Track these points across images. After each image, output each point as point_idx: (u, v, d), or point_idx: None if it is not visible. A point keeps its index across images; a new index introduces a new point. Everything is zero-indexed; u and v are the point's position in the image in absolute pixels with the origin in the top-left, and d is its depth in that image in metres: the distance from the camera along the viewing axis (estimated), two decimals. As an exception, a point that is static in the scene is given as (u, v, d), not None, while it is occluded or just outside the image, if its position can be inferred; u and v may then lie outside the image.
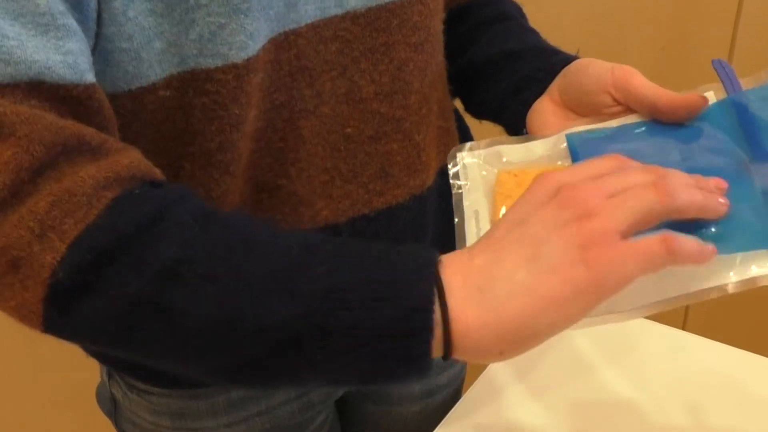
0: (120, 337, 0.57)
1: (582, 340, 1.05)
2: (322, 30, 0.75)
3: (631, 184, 0.57)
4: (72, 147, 0.59)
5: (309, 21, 0.74)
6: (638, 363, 1.01)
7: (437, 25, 0.85)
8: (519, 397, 0.97)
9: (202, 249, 0.57)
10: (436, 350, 0.55)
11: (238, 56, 0.68)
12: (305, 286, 0.55)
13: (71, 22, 0.61)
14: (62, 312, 0.57)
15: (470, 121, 0.97)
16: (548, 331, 0.55)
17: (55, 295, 0.56)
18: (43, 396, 1.81)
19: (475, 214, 0.70)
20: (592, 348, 1.04)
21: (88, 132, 0.60)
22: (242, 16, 0.68)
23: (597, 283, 0.54)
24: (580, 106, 0.77)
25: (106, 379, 0.94)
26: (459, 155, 0.74)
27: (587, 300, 0.54)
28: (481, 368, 1.03)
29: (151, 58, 0.67)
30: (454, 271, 0.56)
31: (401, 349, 0.55)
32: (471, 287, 0.55)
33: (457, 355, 0.56)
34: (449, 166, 0.74)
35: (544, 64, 0.83)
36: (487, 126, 0.92)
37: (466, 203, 0.71)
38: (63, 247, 0.56)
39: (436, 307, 0.55)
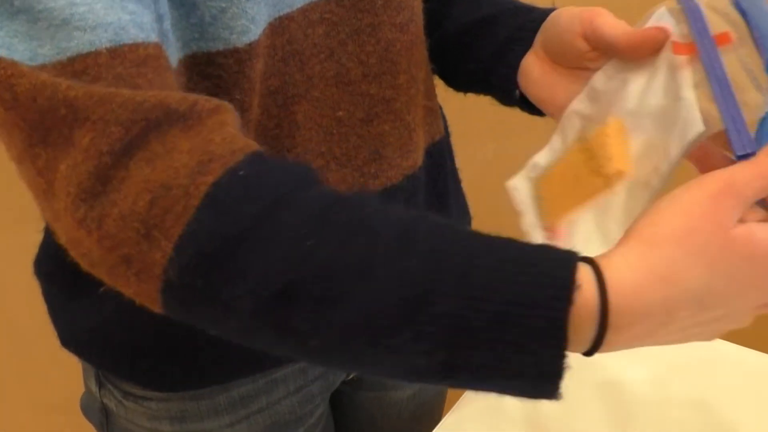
0: (244, 339, 0.57)
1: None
2: (309, 13, 0.74)
3: None
4: (159, 119, 0.56)
5: (300, 5, 0.73)
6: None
7: (419, 5, 0.84)
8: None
9: (315, 267, 0.53)
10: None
11: (240, 40, 0.67)
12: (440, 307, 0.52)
13: None
14: (182, 305, 0.56)
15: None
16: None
17: (171, 289, 0.55)
18: (37, 399, 1.77)
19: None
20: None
21: (174, 98, 0.57)
22: (244, 0, 0.66)
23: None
24: (563, 58, 0.77)
25: (95, 388, 0.91)
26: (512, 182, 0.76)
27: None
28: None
29: None
30: (627, 319, 0.54)
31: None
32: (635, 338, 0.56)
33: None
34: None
35: (523, 23, 0.83)
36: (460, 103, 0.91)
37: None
38: (169, 247, 0.54)
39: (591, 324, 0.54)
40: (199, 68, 0.67)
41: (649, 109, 0.67)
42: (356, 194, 0.57)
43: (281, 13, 0.72)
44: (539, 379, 0.53)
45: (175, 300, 0.55)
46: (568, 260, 0.53)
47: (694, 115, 0.62)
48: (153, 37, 0.60)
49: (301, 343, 0.54)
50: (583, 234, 0.67)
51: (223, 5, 0.65)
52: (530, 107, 0.83)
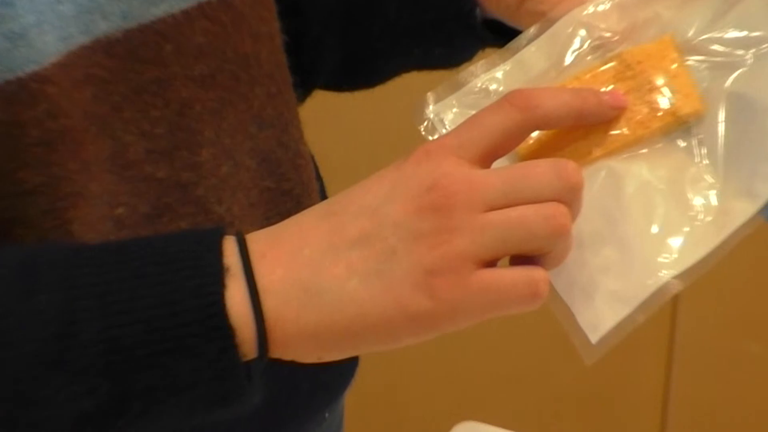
0: None
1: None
2: (71, 70, 0.54)
3: (529, 197, 0.49)
4: None
5: (53, 58, 0.53)
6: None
7: (247, 46, 0.62)
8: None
9: None
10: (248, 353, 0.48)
11: None
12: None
13: None
14: None
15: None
16: (373, 348, 0.49)
17: None
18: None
19: None
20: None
21: None
22: None
23: (435, 316, 0.48)
24: None
25: None
26: (425, 112, 0.59)
27: (421, 330, 0.49)
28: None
29: None
30: (275, 262, 0.49)
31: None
32: (296, 286, 0.48)
33: (272, 355, 0.49)
34: (421, 129, 0.59)
35: None
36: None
37: None
38: None
39: (248, 309, 0.48)
40: None
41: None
42: None
43: (20, 73, 0.51)
44: (219, 381, 0.48)
45: None
46: (213, 241, 0.49)
47: None
48: None
49: None
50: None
51: None
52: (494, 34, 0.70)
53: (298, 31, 0.68)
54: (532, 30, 0.60)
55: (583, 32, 0.59)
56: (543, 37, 0.59)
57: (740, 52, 0.56)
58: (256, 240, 0.50)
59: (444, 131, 0.57)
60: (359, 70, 0.79)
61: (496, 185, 0.49)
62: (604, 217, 0.54)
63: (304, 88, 0.72)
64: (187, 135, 0.60)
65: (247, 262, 0.49)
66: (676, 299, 1.65)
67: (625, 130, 0.55)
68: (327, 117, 0.98)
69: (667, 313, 1.70)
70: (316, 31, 0.74)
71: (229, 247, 0.49)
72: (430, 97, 0.59)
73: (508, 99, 0.51)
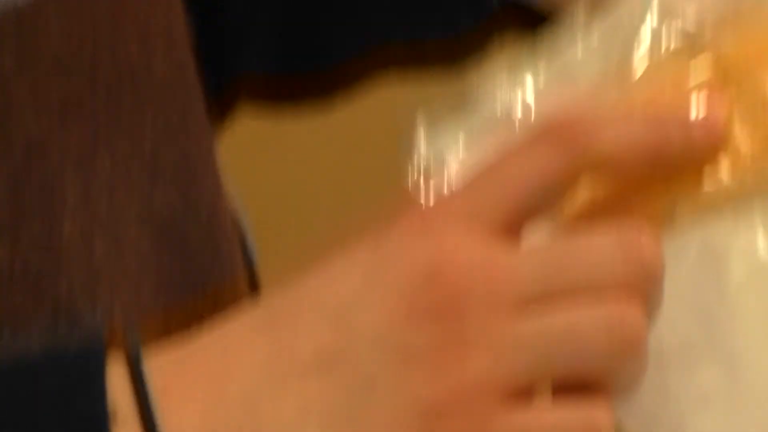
0: None
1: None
2: None
3: (580, 287, 0.39)
4: None
5: None
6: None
7: (131, 48, 0.49)
8: None
9: None
10: None
11: None
12: None
13: None
14: None
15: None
16: None
17: None
18: None
19: None
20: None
21: None
22: None
23: None
24: None
25: None
26: (415, 145, 0.46)
27: None
28: None
29: None
30: (188, 403, 0.40)
31: None
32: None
33: None
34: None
35: None
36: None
37: None
38: None
39: None
40: None
41: None
42: None
43: None
44: None
45: None
46: (90, 371, 0.40)
47: None
48: None
49: None
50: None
51: None
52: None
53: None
54: (581, 17, 0.46)
55: (658, 15, 0.46)
56: (598, 23, 0.46)
57: None
58: (157, 366, 0.40)
59: (446, 179, 0.44)
60: (301, 48, 0.64)
61: (531, 271, 0.39)
62: (698, 320, 0.42)
63: (222, 96, 0.58)
64: (40, 197, 0.46)
65: (144, 402, 0.40)
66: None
67: (729, 175, 0.43)
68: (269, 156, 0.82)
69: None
70: None
71: (117, 377, 0.39)
72: (422, 120, 0.45)
73: (547, 129, 0.40)
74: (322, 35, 0.65)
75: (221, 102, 0.58)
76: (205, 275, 0.51)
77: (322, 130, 0.68)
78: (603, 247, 0.39)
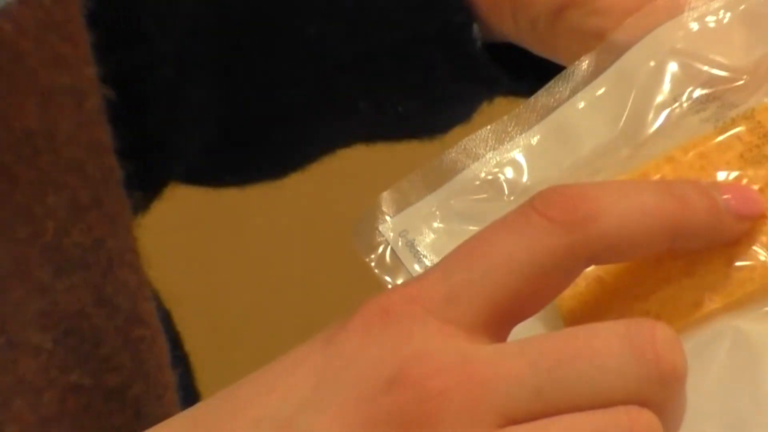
0: None
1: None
2: None
3: (582, 397, 0.32)
4: None
5: None
6: None
7: (29, 112, 0.43)
8: None
9: None
10: None
11: None
12: None
13: None
14: None
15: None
16: None
17: None
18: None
19: None
20: None
21: None
22: None
23: None
24: None
25: None
26: (378, 229, 0.40)
27: None
28: None
29: None
30: None
31: None
32: None
33: None
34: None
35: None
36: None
37: None
38: None
39: None
40: None
41: None
42: None
43: None
44: None
45: None
46: None
47: None
48: None
49: None
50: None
51: None
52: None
53: (138, 74, 0.50)
54: (583, 65, 0.39)
55: (677, 69, 0.39)
56: (603, 77, 0.39)
57: None
58: None
59: (417, 267, 0.39)
60: (250, 141, 0.57)
61: (520, 376, 0.32)
62: (730, 426, 0.36)
63: (148, 181, 0.52)
64: None
65: None
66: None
67: (763, 259, 0.36)
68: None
69: None
70: (170, 72, 0.53)
71: None
72: (387, 200, 0.39)
73: (540, 204, 0.34)
74: (291, 125, 0.59)
75: (147, 187, 0.51)
76: (122, 381, 0.44)
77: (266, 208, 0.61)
78: (610, 346, 0.32)
